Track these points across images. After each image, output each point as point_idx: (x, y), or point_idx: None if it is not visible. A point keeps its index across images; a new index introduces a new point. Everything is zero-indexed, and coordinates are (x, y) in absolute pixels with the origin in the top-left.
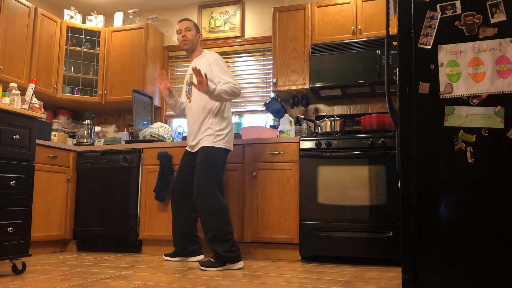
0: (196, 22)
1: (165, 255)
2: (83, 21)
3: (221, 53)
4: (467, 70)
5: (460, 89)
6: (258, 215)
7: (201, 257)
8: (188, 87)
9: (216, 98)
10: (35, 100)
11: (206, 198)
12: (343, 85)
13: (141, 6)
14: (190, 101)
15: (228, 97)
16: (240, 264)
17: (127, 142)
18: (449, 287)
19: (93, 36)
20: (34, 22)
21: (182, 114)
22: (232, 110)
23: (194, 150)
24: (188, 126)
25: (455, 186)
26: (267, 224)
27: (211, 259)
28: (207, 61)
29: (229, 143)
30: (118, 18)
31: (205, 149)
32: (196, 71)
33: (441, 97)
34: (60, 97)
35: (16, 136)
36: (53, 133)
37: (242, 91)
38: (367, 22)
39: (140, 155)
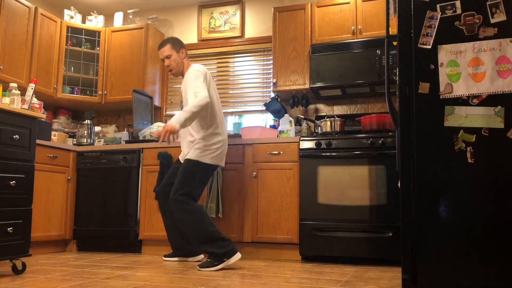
0: (173, 40)
1: (165, 256)
2: (83, 21)
3: (221, 53)
4: (467, 70)
5: (460, 89)
6: (258, 215)
7: (200, 256)
8: (180, 102)
9: (192, 119)
10: (35, 100)
11: (178, 208)
12: (343, 85)
13: (141, 6)
14: None
15: (197, 110)
16: (238, 256)
17: (127, 142)
18: (449, 287)
19: (93, 36)
20: (34, 22)
21: None
22: (232, 110)
23: (182, 161)
24: (180, 139)
25: (455, 186)
26: (267, 224)
27: (209, 260)
28: (186, 77)
29: (217, 159)
30: (118, 18)
31: (187, 161)
32: (161, 136)
33: (441, 97)
34: (60, 97)
35: (16, 136)
36: (53, 133)
37: (242, 91)
38: (367, 22)
39: (140, 155)
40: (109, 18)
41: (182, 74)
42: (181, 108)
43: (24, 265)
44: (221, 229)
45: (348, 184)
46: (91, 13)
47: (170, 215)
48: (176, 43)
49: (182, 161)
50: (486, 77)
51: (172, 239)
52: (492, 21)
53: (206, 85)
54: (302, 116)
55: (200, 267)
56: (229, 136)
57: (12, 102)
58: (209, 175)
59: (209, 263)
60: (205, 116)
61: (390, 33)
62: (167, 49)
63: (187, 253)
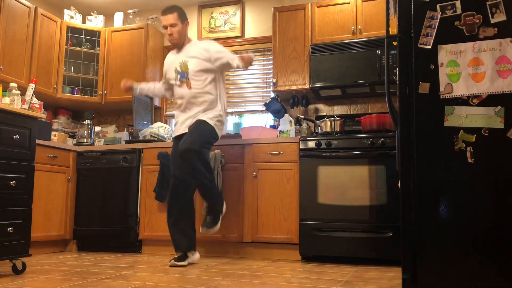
0: (179, 10)
1: (175, 260)
2: (83, 21)
3: None
4: (467, 70)
5: (460, 89)
6: (258, 215)
7: (196, 256)
8: (179, 75)
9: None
10: (35, 100)
11: (198, 158)
12: (343, 85)
13: (141, 6)
14: (190, 88)
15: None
16: (224, 204)
17: (127, 142)
18: (449, 287)
19: (93, 36)
20: (34, 22)
21: (159, 95)
22: (232, 110)
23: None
24: (185, 113)
25: (455, 186)
26: (267, 224)
27: (208, 220)
28: (201, 48)
29: (221, 129)
30: (118, 18)
31: (202, 121)
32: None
33: (441, 97)
34: (60, 97)
35: (16, 136)
36: (53, 133)
37: (242, 91)
38: (367, 22)
39: (140, 155)
40: (109, 18)
41: (181, 46)
42: (180, 80)
43: (24, 265)
44: (221, 229)
45: (348, 184)
46: (91, 13)
47: (187, 209)
48: (183, 14)
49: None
50: (486, 77)
51: (181, 238)
52: (492, 21)
53: None
54: (302, 116)
55: (207, 228)
56: (229, 136)
57: (12, 102)
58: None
59: (211, 224)
60: (219, 94)
61: (390, 33)
62: (173, 18)
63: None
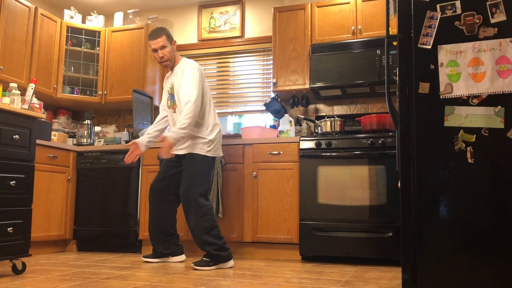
0: (167, 31)
1: (144, 256)
2: (83, 21)
3: (221, 53)
4: (467, 70)
5: (460, 89)
6: (258, 215)
7: (183, 257)
8: (169, 96)
9: (187, 133)
10: (35, 100)
11: (191, 204)
12: (343, 85)
13: (141, 6)
14: (174, 112)
15: (191, 122)
16: (231, 263)
17: (127, 142)
18: (449, 287)
19: (93, 36)
20: (34, 22)
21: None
22: (232, 110)
23: (181, 153)
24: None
25: (455, 186)
26: (267, 224)
27: (204, 259)
28: (181, 74)
29: (216, 150)
30: (118, 18)
31: (192, 155)
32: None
33: (441, 97)
34: (60, 97)
35: (16, 136)
36: (53, 133)
37: (242, 91)
38: (367, 22)
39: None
40: (109, 18)
41: (173, 67)
42: (172, 101)
43: (24, 265)
44: (221, 229)
45: (348, 184)
46: (91, 13)
47: (161, 210)
48: (170, 35)
49: (174, 153)
50: (486, 77)
51: (155, 240)
52: (492, 21)
53: (201, 85)
54: (302, 116)
55: (195, 265)
56: (229, 136)
57: (12, 102)
58: (213, 166)
59: (205, 263)
60: (203, 112)
61: (390, 33)
62: (163, 40)
63: (169, 253)
